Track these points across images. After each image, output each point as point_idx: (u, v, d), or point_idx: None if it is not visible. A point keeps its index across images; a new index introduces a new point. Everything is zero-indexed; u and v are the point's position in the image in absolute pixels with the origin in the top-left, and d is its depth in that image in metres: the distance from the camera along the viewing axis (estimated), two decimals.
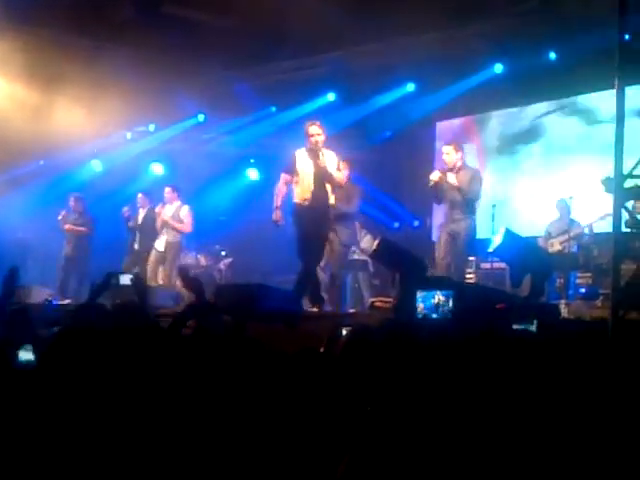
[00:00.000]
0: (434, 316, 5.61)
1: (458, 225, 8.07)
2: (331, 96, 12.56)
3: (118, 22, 10.09)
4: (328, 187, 7.49)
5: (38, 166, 12.95)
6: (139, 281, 5.69)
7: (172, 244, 10.58)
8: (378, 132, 12.04)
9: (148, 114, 12.80)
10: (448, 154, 8.31)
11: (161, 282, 10.53)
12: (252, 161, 13.79)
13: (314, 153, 7.42)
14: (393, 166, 11.97)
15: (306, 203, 7.42)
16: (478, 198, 8.28)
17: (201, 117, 13.39)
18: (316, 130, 7.41)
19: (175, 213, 10.66)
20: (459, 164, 8.29)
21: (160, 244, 10.62)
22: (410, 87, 12.09)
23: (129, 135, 13.62)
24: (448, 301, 5.61)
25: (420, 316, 5.63)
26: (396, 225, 11.68)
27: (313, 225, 7.41)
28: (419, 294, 5.72)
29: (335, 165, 7.56)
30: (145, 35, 10.19)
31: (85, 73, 10.74)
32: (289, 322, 5.89)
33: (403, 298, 6.15)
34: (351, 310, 7.30)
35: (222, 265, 11.70)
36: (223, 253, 11.70)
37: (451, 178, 8.15)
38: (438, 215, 12.14)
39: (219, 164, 13.08)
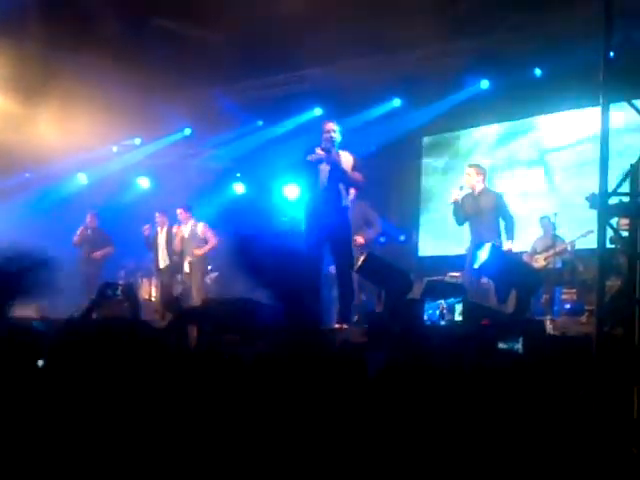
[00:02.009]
0: (442, 323, 5.72)
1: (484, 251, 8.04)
2: (318, 111, 12.58)
3: (104, 35, 10.07)
4: (341, 187, 7.19)
5: (24, 178, 12.89)
6: (131, 292, 5.43)
7: (194, 263, 10.70)
8: (364, 146, 12.02)
9: (134, 128, 12.77)
10: (469, 175, 8.33)
11: (153, 299, 10.52)
12: (238, 175, 13.77)
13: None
14: (379, 181, 11.93)
15: (313, 204, 7.21)
16: (512, 222, 8.20)
17: (187, 131, 13.39)
18: (330, 127, 7.24)
19: (192, 233, 10.75)
20: (479, 187, 8.27)
21: (186, 266, 10.78)
22: (396, 102, 12.16)
23: (115, 149, 13.59)
24: (451, 309, 5.67)
25: (428, 323, 5.70)
26: (382, 240, 11.64)
27: (314, 229, 7.13)
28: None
29: (350, 165, 7.24)
30: (131, 49, 10.17)
31: (70, 86, 10.70)
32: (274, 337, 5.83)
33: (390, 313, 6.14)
34: (336, 325, 7.22)
35: (208, 279, 11.62)
36: (209, 267, 11.63)
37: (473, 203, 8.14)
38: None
39: (205, 178, 13.05)
